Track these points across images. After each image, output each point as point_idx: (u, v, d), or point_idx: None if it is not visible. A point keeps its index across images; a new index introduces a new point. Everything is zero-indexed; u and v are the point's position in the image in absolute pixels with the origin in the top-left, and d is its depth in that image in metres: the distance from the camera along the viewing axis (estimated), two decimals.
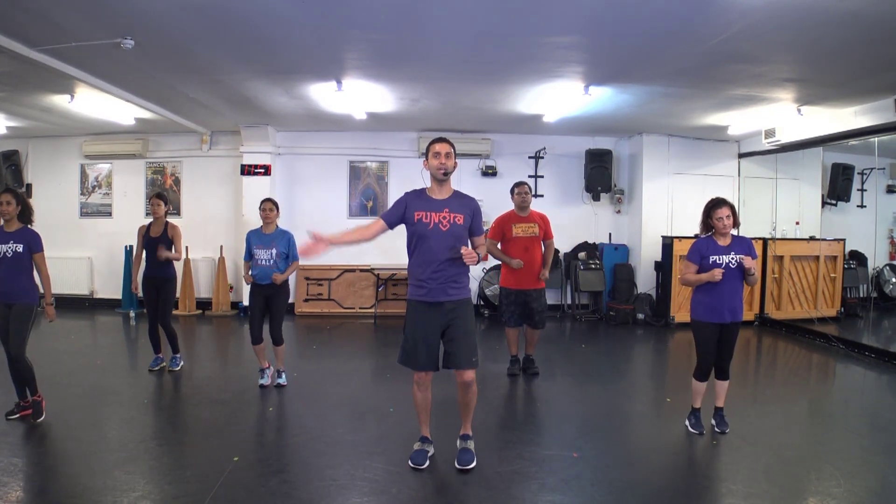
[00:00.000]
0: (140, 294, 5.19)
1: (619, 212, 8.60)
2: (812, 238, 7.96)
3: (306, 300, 8.26)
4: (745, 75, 5.07)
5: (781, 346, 6.82)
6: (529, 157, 8.41)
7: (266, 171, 8.05)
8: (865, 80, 5.06)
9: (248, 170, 8.04)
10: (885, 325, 8.29)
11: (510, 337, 5.19)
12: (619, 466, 3.33)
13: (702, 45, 4.28)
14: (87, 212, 8.64)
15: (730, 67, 4.84)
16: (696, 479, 3.25)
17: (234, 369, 5.43)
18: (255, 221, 4.91)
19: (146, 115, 6.88)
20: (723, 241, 3.69)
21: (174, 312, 5.35)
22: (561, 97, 5.98)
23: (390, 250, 7.50)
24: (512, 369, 5.18)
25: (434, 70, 5.25)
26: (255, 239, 4.63)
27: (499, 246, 5.02)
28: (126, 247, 8.01)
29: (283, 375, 4.75)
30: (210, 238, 8.21)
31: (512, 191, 5.10)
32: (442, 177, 3.11)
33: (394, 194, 8.41)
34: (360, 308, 8.19)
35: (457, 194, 3.21)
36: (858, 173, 8.34)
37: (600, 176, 8.22)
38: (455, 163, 3.16)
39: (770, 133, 7.09)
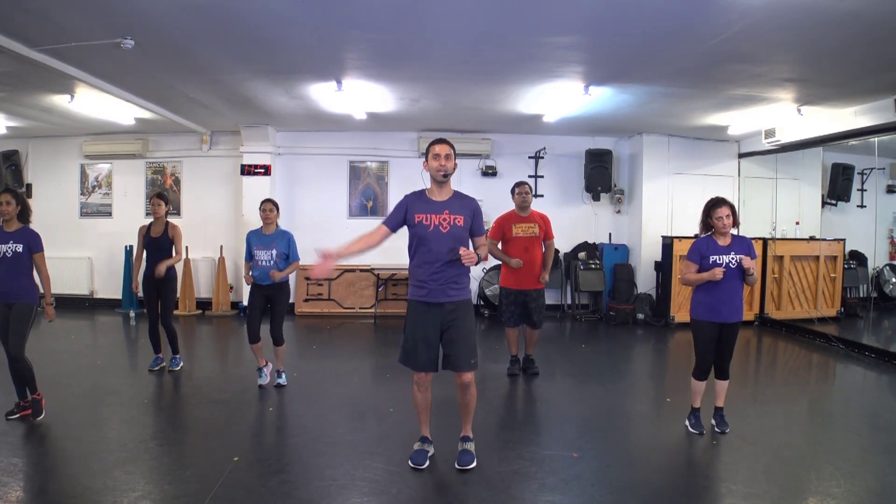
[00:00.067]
0: (140, 294, 5.19)
1: (619, 212, 8.60)
2: (812, 238, 7.96)
3: (306, 300, 8.26)
4: (745, 75, 5.07)
5: (781, 346, 6.82)
6: (529, 157, 8.41)
7: (266, 171, 8.05)
8: (865, 80, 5.05)
9: (248, 170, 8.04)
10: (885, 325, 8.29)
11: (510, 337, 5.19)
12: (619, 466, 3.33)
13: (702, 45, 4.28)
14: (87, 212, 8.64)
15: (730, 67, 4.84)
16: (696, 479, 3.25)
17: (234, 369, 5.43)
18: (255, 221, 4.91)
19: (146, 115, 6.88)
20: (723, 241, 3.69)
21: (174, 312, 5.35)
22: (561, 97, 5.98)
23: (390, 250, 7.40)
24: (512, 369, 5.18)
25: (434, 70, 5.25)
26: (255, 239, 4.63)
27: (499, 246, 5.02)
28: (126, 247, 8.01)
29: (283, 375, 4.74)
30: (210, 238, 8.21)
31: (512, 191, 5.10)
32: (442, 178, 3.11)
33: (394, 194, 8.42)
34: (360, 308, 8.19)
35: (457, 195, 3.20)
36: (858, 173, 8.34)
37: (600, 176, 8.22)
38: (455, 164, 3.15)
39: (770, 133, 7.09)
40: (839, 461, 3.35)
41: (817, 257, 7.82)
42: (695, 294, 3.81)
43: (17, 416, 3.79)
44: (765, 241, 7.72)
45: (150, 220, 5.19)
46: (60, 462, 3.29)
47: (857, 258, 8.40)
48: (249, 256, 4.63)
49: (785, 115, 6.47)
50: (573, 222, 8.44)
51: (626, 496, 2.95)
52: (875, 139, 6.47)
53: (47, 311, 3.90)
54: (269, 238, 4.60)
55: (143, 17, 3.88)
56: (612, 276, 8.20)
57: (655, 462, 3.42)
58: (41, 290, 3.90)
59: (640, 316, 7.84)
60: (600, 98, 5.93)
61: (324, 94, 6.00)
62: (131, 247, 7.96)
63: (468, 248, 3.10)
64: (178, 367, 5.15)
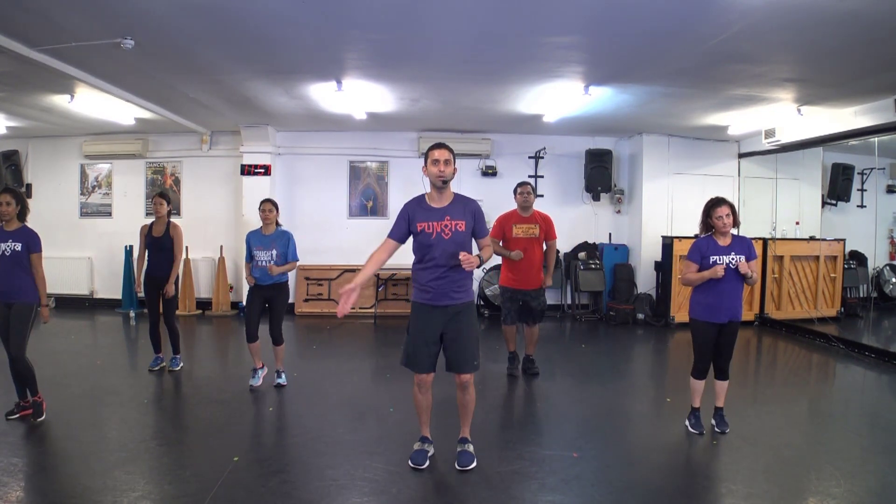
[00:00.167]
0: (142, 294, 5.18)
1: (619, 212, 8.60)
2: (812, 238, 7.96)
3: (306, 300, 8.26)
4: (745, 75, 5.07)
5: (781, 346, 6.82)
6: (529, 157, 8.41)
7: (266, 171, 8.05)
8: (865, 80, 5.05)
9: (248, 170, 8.04)
10: (885, 325, 8.29)
11: (507, 334, 5.20)
12: (619, 466, 3.33)
13: (702, 45, 4.28)
14: (87, 212, 8.63)
15: (730, 67, 4.84)
16: (696, 479, 3.25)
17: (234, 369, 5.42)
18: (255, 221, 4.90)
19: (146, 115, 6.88)
20: (723, 241, 3.69)
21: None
22: (561, 97, 5.98)
23: None
24: (511, 367, 5.19)
25: (434, 70, 5.25)
26: (254, 240, 4.63)
27: (500, 244, 5.02)
28: (126, 247, 8.02)
29: (283, 375, 4.75)
30: (210, 238, 8.21)
31: (515, 190, 5.10)
32: (441, 185, 3.10)
33: (394, 194, 8.42)
34: (360, 308, 8.19)
35: (457, 199, 3.20)
36: (858, 173, 8.34)
37: (600, 176, 8.22)
38: (454, 168, 3.14)
39: (770, 133, 7.09)
40: (839, 461, 3.35)
41: (817, 257, 7.82)
42: (694, 294, 3.81)
43: (17, 416, 3.79)
44: (765, 241, 7.72)
45: (150, 219, 5.19)
46: (60, 462, 3.29)
47: (857, 258, 8.40)
48: (250, 257, 4.64)
49: (785, 115, 6.47)
50: (573, 222, 8.45)
51: (626, 496, 2.95)
52: (875, 139, 6.47)
53: (42, 312, 3.87)
54: (269, 238, 4.60)
55: (143, 17, 3.87)
56: (612, 276, 8.20)
57: (655, 462, 3.42)
58: None
59: (640, 316, 7.84)
60: (600, 98, 5.93)
61: (324, 94, 6.00)
62: (131, 247, 7.98)
63: (470, 252, 3.10)
64: (178, 367, 5.15)
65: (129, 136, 8.27)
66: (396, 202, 8.28)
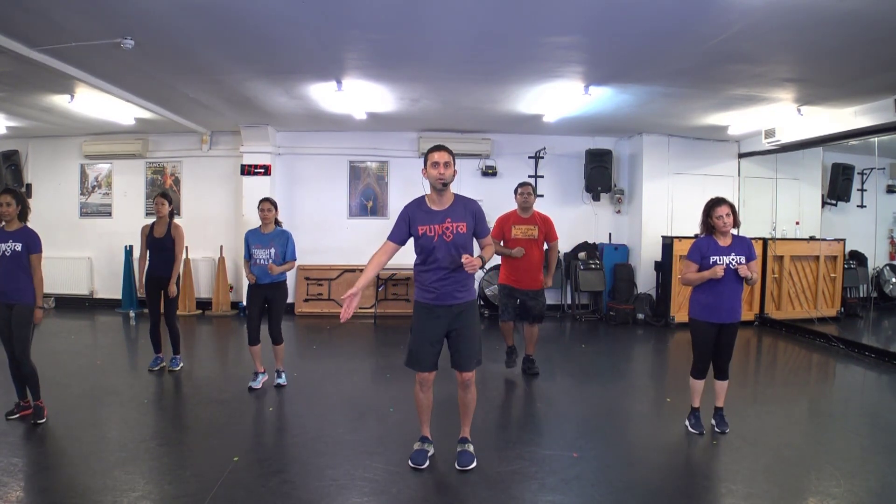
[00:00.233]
0: (143, 294, 5.17)
1: (619, 212, 8.60)
2: (812, 238, 7.96)
3: (306, 300, 8.26)
4: (745, 75, 5.07)
5: (781, 346, 6.82)
6: (529, 157, 8.41)
7: (266, 171, 8.04)
8: (865, 80, 5.05)
9: (248, 170, 8.04)
10: (885, 325, 8.29)
11: (505, 330, 5.21)
12: (619, 466, 3.33)
13: (702, 45, 4.28)
14: (86, 212, 8.63)
15: (730, 67, 4.84)
16: (696, 479, 3.25)
17: (234, 369, 5.42)
18: (256, 221, 4.90)
19: (146, 115, 6.87)
20: (723, 241, 3.69)
21: None
22: (561, 97, 5.98)
23: None
24: (508, 360, 5.21)
25: (434, 70, 5.24)
26: (253, 239, 4.63)
27: (500, 244, 5.02)
28: (126, 247, 8.02)
29: (283, 375, 4.75)
30: (210, 238, 8.21)
31: (515, 190, 5.10)
32: (441, 187, 3.10)
33: (394, 194, 8.42)
34: (361, 308, 8.19)
35: (457, 201, 3.20)
36: (858, 173, 8.34)
37: (600, 176, 8.22)
38: (454, 171, 3.14)
39: (770, 133, 7.09)
40: (839, 461, 3.35)
41: (817, 257, 7.82)
42: (694, 294, 3.81)
43: (17, 416, 3.80)
44: (765, 241, 7.72)
45: (151, 219, 5.19)
46: (60, 462, 3.29)
47: (857, 258, 8.40)
48: (248, 255, 4.64)
49: (785, 115, 6.47)
50: (573, 222, 8.44)
51: (626, 496, 2.95)
52: (875, 139, 6.47)
53: (35, 313, 3.79)
54: (268, 237, 4.60)
55: (143, 17, 3.87)
56: (612, 276, 8.20)
57: (655, 462, 3.42)
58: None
59: (640, 316, 7.84)
60: (600, 98, 5.93)
61: (324, 94, 6.00)
62: (131, 247, 7.98)
63: (472, 254, 3.11)
64: (178, 368, 5.15)
65: (129, 136, 8.27)
66: (396, 202, 8.28)
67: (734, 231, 3.76)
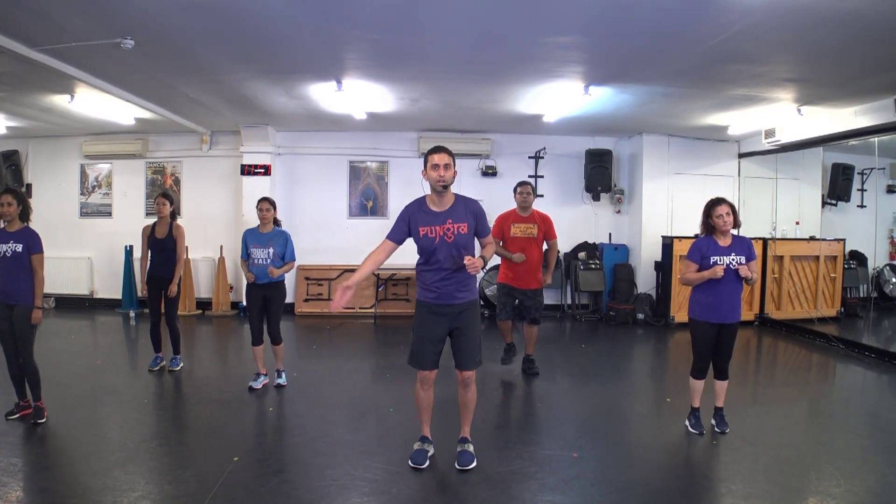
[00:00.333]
0: (144, 294, 5.17)
1: (619, 212, 8.60)
2: (812, 238, 7.96)
3: (306, 300, 8.26)
4: (745, 75, 5.07)
5: (781, 346, 6.82)
6: (529, 157, 8.41)
7: (266, 171, 8.04)
8: (865, 80, 5.05)
9: (248, 170, 8.04)
10: (885, 325, 8.28)
11: (503, 328, 5.21)
12: (619, 466, 3.33)
13: (702, 45, 4.28)
14: (87, 212, 8.63)
15: (730, 67, 4.83)
16: (696, 479, 3.25)
17: (234, 369, 5.43)
18: (256, 221, 4.90)
19: (146, 115, 6.87)
20: (723, 241, 3.69)
21: None
22: (561, 97, 5.98)
23: None
24: (505, 357, 5.21)
25: (434, 70, 5.24)
26: (251, 238, 4.63)
27: (500, 244, 5.02)
28: (126, 247, 8.02)
29: (283, 375, 4.75)
30: (210, 238, 8.21)
31: (515, 190, 5.10)
32: (441, 189, 3.09)
33: (394, 194, 8.42)
34: (360, 308, 8.19)
35: (458, 201, 3.19)
36: (858, 173, 8.34)
37: (600, 176, 8.22)
38: (455, 172, 3.13)
39: (770, 133, 7.09)
40: (839, 461, 3.35)
41: (817, 257, 7.82)
42: (693, 294, 3.81)
43: (17, 416, 3.79)
44: (765, 241, 7.72)
45: (152, 220, 5.19)
46: (60, 462, 3.29)
47: (857, 258, 8.39)
48: (246, 255, 4.64)
49: (785, 115, 6.47)
50: (573, 222, 8.44)
51: (626, 496, 2.95)
52: (875, 139, 6.47)
53: (34, 313, 3.76)
54: (266, 237, 4.60)
55: (143, 17, 3.87)
56: (612, 276, 8.20)
57: (655, 462, 3.42)
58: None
59: (640, 316, 7.84)
60: (600, 98, 5.93)
61: (324, 94, 6.00)
62: (131, 247, 7.98)
63: (474, 254, 3.12)
64: (178, 368, 5.15)
65: (129, 136, 8.27)
66: (396, 202, 8.28)
67: (734, 231, 3.76)
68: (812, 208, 8.33)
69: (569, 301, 8.43)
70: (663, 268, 7.75)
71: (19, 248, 3.73)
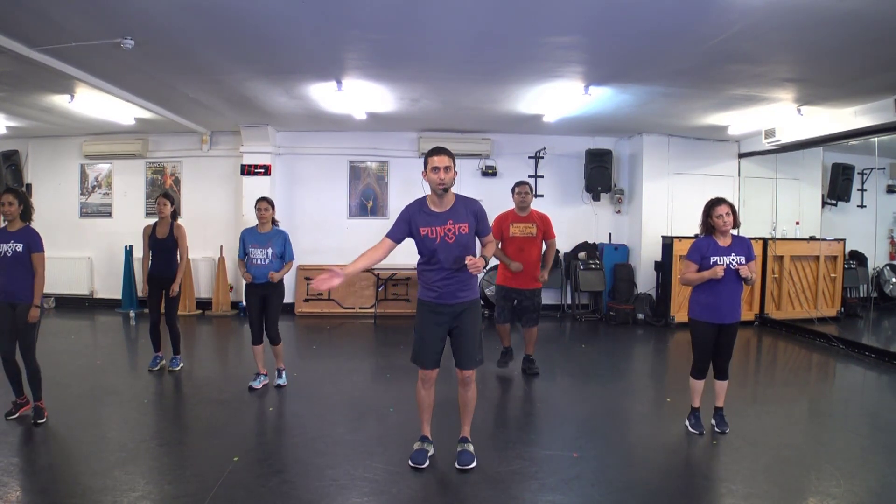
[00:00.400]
0: (145, 294, 5.17)
1: (619, 212, 8.60)
2: (812, 238, 7.96)
3: (306, 300, 8.26)
4: (745, 75, 5.07)
5: (781, 346, 6.82)
6: (529, 157, 8.41)
7: (266, 171, 8.04)
8: (865, 80, 5.05)
9: (248, 170, 8.04)
10: (885, 325, 8.28)
11: (501, 332, 5.22)
12: (619, 466, 3.33)
13: (702, 45, 4.28)
14: (87, 212, 8.63)
15: (730, 67, 4.83)
16: (696, 479, 3.25)
17: (234, 369, 5.43)
18: (255, 221, 4.90)
19: (146, 115, 6.87)
20: (723, 242, 3.69)
21: None
22: (561, 97, 5.98)
23: None
24: (501, 361, 5.22)
25: (434, 70, 5.24)
26: (249, 238, 4.62)
27: (498, 245, 5.02)
28: (126, 247, 8.02)
29: (283, 375, 4.74)
30: (210, 238, 8.20)
31: (513, 190, 5.11)
32: (441, 192, 3.09)
33: (394, 194, 8.42)
34: (360, 308, 8.19)
35: (458, 202, 3.19)
36: (858, 173, 8.34)
37: (600, 176, 8.22)
38: (455, 173, 3.13)
39: (770, 133, 7.09)
40: (839, 461, 3.35)
41: (817, 257, 7.82)
42: (693, 294, 3.81)
43: (17, 415, 3.80)
44: (765, 241, 7.72)
45: (152, 220, 5.19)
46: (60, 462, 3.29)
47: (857, 258, 8.39)
48: (243, 254, 4.63)
49: (785, 115, 6.47)
50: (573, 222, 8.44)
51: (626, 496, 2.95)
52: (875, 139, 6.47)
53: (31, 311, 3.73)
54: (265, 237, 4.59)
55: (143, 17, 3.87)
56: (612, 276, 8.20)
57: (655, 462, 3.42)
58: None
59: (640, 316, 7.84)
60: (600, 98, 5.93)
61: (324, 94, 6.00)
62: (131, 247, 7.98)
63: (475, 254, 3.12)
64: (178, 368, 5.15)
65: (129, 136, 8.27)
66: (396, 202, 8.28)
67: (734, 231, 3.76)
68: (812, 208, 8.33)
69: (569, 301, 8.43)
70: (663, 268, 7.75)
71: (20, 247, 3.73)
